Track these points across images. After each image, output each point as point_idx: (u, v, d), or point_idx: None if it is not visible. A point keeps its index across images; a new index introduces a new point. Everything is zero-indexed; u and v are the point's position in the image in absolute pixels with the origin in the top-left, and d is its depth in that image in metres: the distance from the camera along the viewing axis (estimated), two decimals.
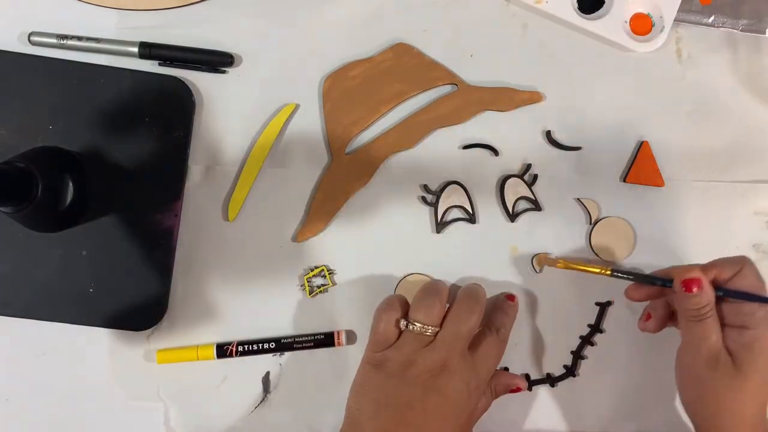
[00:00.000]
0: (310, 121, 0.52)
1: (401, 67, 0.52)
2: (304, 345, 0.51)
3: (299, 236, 0.51)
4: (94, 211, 0.50)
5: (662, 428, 0.53)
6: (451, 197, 0.52)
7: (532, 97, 0.52)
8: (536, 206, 0.52)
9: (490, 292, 0.52)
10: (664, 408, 0.53)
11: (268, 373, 0.51)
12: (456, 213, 0.52)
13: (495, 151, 0.52)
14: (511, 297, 0.49)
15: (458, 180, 0.52)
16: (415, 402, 0.42)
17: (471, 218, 0.52)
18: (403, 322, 0.44)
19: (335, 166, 0.51)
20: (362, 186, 0.52)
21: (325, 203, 0.51)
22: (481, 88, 0.52)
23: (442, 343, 0.43)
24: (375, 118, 0.52)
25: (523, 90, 0.52)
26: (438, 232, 0.52)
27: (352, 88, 0.51)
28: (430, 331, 0.44)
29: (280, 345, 0.51)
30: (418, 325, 0.44)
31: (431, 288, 0.45)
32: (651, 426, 0.53)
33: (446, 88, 0.53)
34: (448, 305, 0.45)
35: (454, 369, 0.43)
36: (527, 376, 0.52)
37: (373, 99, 0.52)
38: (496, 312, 0.47)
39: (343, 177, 0.51)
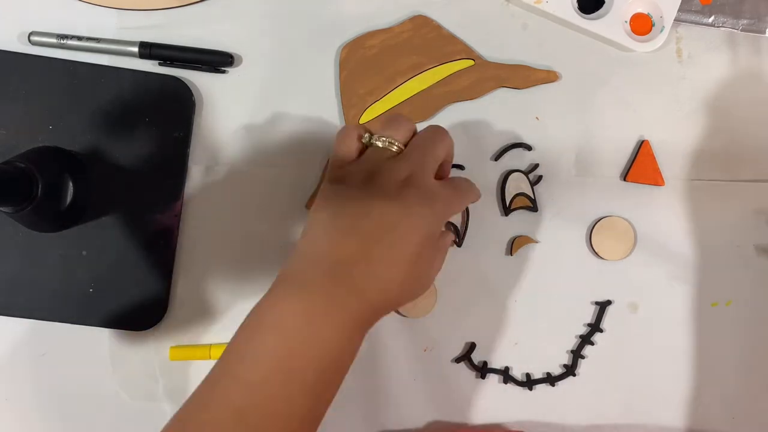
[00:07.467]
0: (316, 122, 0.52)
1: (419, 39, 0.52)
2: None
3: (309, 204, 0.51)
4: (94, 211, 0.50)
5: (661, 427, 0.53)
6: None
7: (549, 76, 0.52)
8: (533, 206, 0.52)
9: (486, 291, 0.52)
10: (664, 407, 0.53)
11: None
12: None
13: (528, 147, 0.52)
14: None
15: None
16: (373, 210, 0.39)
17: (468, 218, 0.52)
18: (367, 136, 0.42)
19: None
20: None
21: None
22: (497, 65, 0.52)
23: (408, 156, 0.41)
24: (391, 88, 0.52)
25: (539, 69, 0.53)
26: None
27: (370, 58, 0.51)
28: (396, 146, 0.41)
29: None
30: (384, 138, 0.41)
31: (399, 114, 0.43)
32: (650, 425, 0.53)
33: (463, 63, 0.52)
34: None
35: (419, 184, 0.40)
36: (527, 376, 0.52)
37: (389, 69, 0.52)
38: None
39: None
